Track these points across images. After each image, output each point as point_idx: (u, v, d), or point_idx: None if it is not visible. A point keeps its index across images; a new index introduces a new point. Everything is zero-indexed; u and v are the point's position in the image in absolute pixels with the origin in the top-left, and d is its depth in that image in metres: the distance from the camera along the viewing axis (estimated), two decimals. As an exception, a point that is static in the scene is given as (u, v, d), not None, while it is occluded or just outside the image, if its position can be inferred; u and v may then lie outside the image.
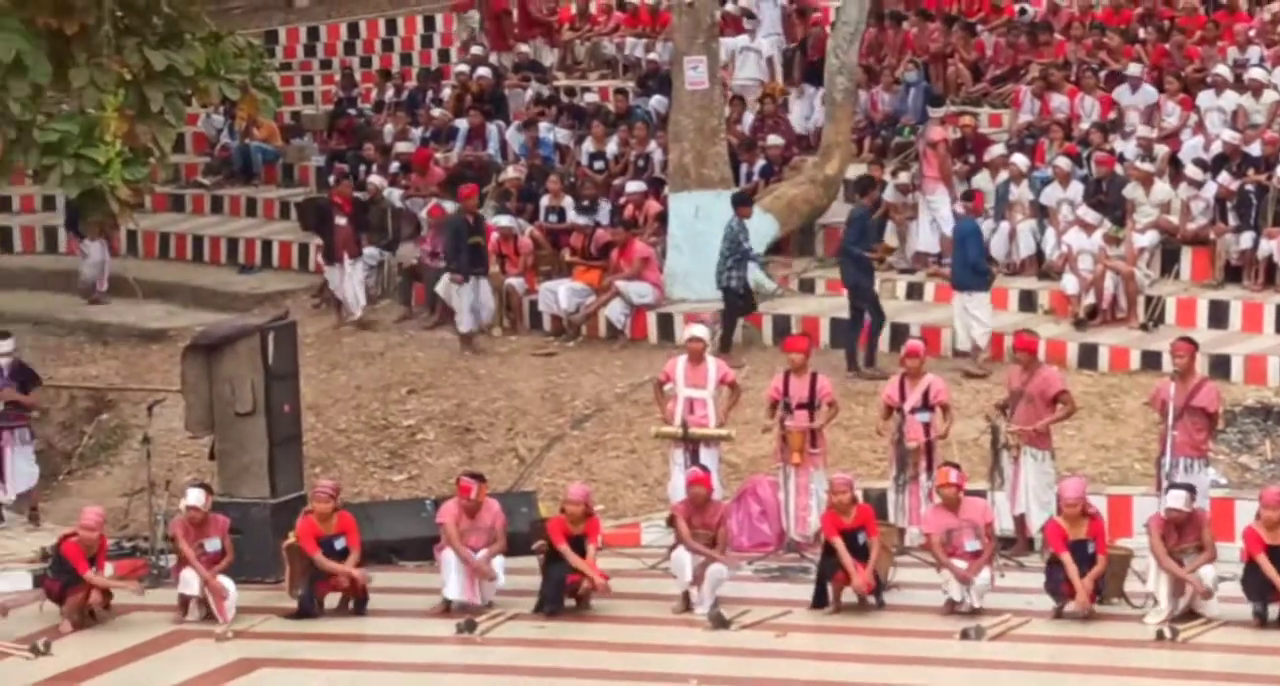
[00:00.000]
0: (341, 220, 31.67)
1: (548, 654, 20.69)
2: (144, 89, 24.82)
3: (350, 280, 31.55)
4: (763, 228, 30.20)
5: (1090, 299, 27.69)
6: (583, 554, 21.55)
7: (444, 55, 41.21)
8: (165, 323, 31.29)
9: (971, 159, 31.09)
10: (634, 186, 31.25)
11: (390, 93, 37.96)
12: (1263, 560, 20.06)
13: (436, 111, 36.07)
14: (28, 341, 28.61)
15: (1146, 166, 29.93)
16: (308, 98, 38.21)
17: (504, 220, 31.11)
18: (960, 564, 20.75)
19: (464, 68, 37.78)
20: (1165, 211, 29.13)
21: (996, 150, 31.10)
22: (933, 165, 30.23)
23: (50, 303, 33.44)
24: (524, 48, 38.75)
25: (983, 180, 30.34)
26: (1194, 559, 20.39)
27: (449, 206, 31.14)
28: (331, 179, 33.76)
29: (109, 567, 22.50)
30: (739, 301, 28.48)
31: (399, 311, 31.53)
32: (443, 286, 30.22)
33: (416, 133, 35.25)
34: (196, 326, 27.98)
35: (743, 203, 29.05)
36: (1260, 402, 25.60)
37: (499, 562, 21.67)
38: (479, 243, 30.04)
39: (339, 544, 21.90)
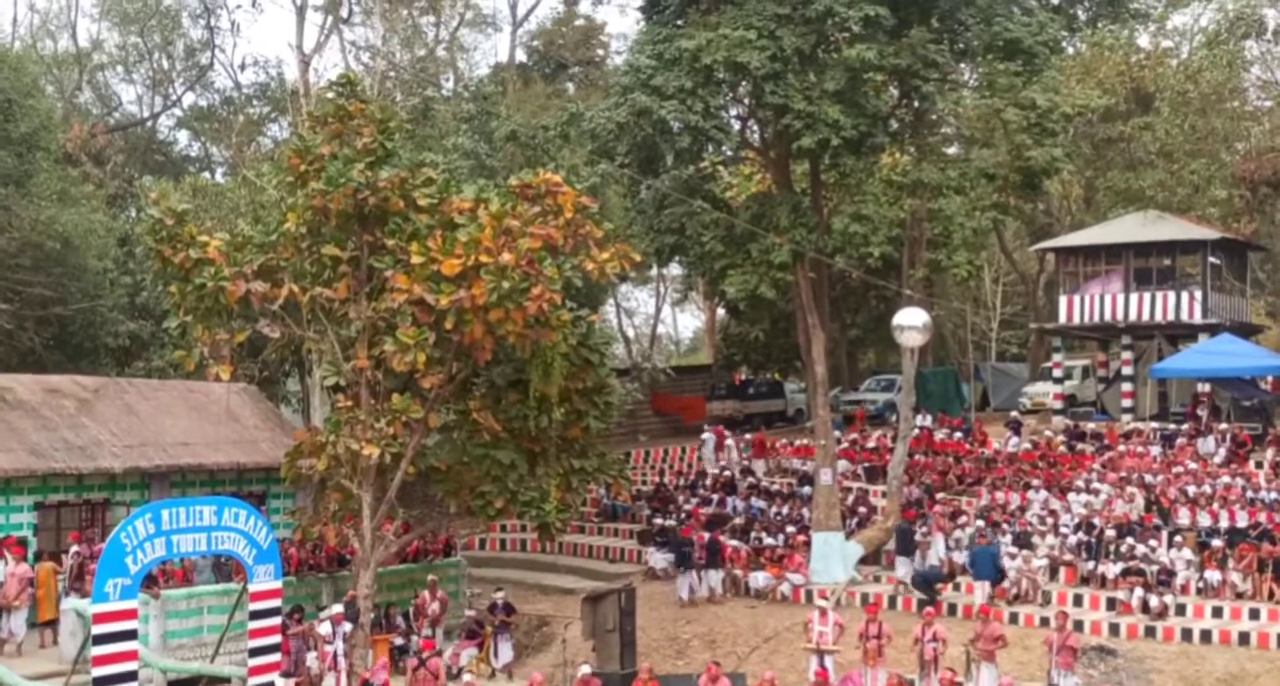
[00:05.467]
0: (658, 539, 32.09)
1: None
2: (569, 478, 25.42)
3: (656, 566, 31.58)
4: (855, 550, 30.01)
5: (1014, 590, 27.30)
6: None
7: (703, 464, 40.91)
8: (574, 585, 30.89)
9: (959, 520, 30.65)
10: (792, 529, 31.07)
11: (681, 481, 38.05)
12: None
13: (701, 490, 36.04)
14: (510, 591, 28.74)
15: (1042, 527, 29.66)
16: (643, 483, 38.25)
17: (734, 542, 31.04)
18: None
19: (714, 470, 37.87)
20: (1051, 549, 28.72)
21: (972, 514, 30.92)
22: (939, 523, 30.16)
23: (514, 575, 32.86)
24: (746, 463, 38.33)
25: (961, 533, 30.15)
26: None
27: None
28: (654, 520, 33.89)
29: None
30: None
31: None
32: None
33: (694, 500, 35.10)
34: (589, 588, 28.18)
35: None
36: (1099, 645, 24.99)
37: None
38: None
39: (651, 696, 22.00)
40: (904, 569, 28.84)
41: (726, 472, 36.89)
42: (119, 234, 41.58)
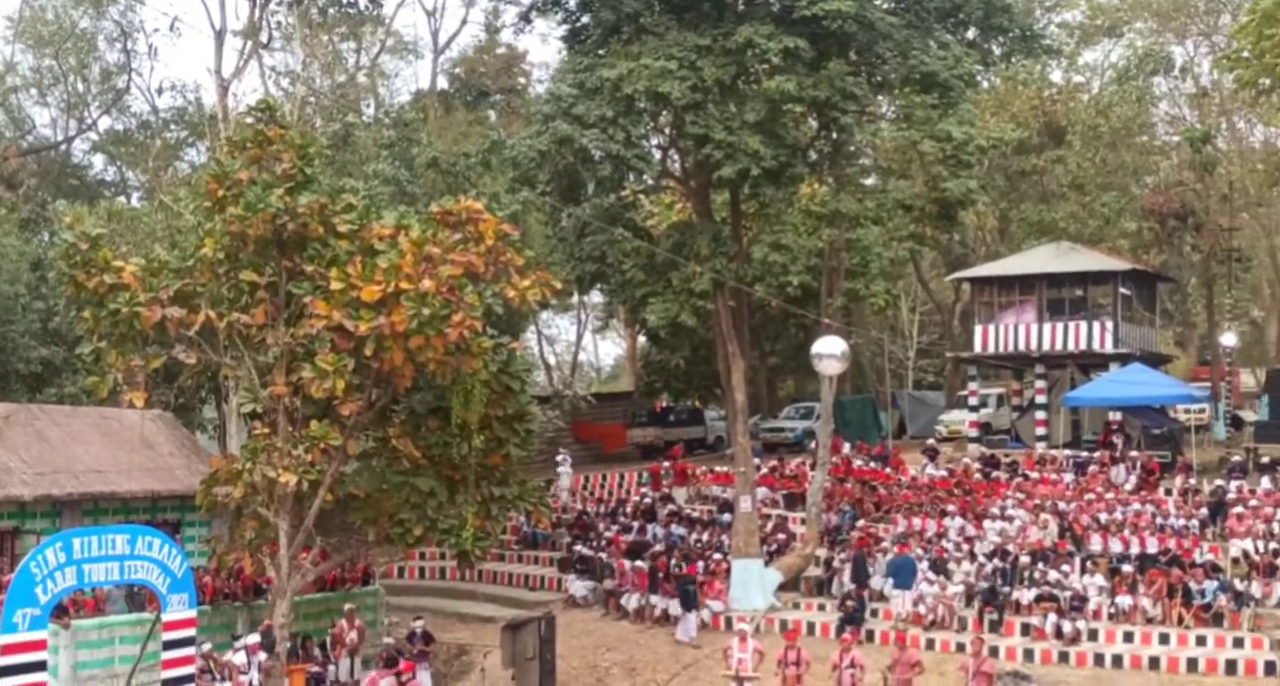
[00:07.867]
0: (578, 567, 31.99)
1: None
2: (489, 505, 25.28)
3: (577, 593, 31.64)
4: (774, 577, 30.08)
5: (931, 616, 27.52)
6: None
7: (626, 491, 40.98)
8: (494, 613, 30.74)
9: (881, 545, 30.81)
10: (717, 556, 30.94)
11: (602, 509, 38.03)
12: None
13: (622, 518, 36.00)
14: (429, 619, 28.50)
15: (958, 553, 29.93)
16: (564, 511, 38.09)
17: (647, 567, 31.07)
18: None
19: (636, 498, 37.91)
20: (966, 576, 28.93)
21: (888, 543, 31.01)
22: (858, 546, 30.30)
23: (433, 603, 32.61)
24: (667, 490, 38.21)
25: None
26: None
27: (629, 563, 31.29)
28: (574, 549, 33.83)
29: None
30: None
31: (601, 611, 30.80)
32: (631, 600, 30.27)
33: (614, 527, 35.08)
34: (509, 615, 28.02)
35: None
36: (1013, 670, 25.18)
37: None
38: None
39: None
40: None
41: (646, 500, 36.87)
42: (31, 258, 40.88)
